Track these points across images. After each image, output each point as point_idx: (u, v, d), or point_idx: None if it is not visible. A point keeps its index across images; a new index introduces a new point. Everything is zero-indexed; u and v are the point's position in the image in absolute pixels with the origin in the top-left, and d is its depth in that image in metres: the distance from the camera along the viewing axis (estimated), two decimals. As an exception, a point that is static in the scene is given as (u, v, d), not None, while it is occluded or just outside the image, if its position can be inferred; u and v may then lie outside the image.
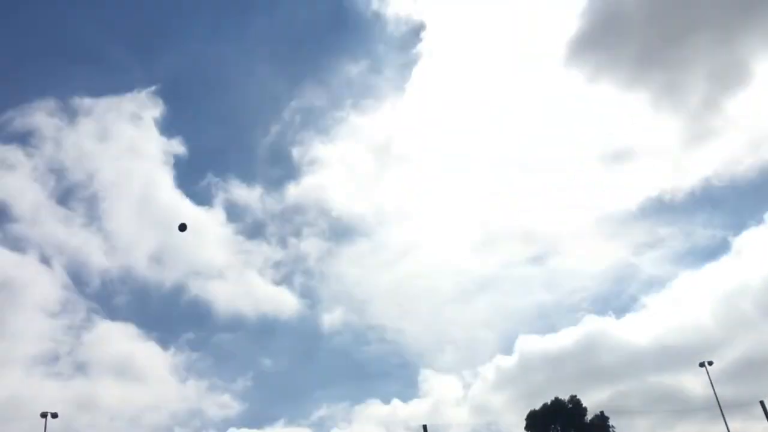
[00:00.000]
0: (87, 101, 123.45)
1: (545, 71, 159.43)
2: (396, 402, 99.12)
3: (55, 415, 36.83)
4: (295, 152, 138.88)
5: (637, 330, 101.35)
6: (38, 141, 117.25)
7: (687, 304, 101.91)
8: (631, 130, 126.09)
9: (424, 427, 35.19)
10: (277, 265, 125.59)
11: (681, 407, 74.70)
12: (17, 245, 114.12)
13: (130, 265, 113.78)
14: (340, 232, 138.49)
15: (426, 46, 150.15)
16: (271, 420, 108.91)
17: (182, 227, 33.19)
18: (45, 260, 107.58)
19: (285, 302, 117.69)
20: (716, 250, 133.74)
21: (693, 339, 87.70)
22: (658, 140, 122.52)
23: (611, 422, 45.43)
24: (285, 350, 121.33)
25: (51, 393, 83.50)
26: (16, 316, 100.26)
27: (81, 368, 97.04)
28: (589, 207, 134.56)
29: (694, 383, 76.78)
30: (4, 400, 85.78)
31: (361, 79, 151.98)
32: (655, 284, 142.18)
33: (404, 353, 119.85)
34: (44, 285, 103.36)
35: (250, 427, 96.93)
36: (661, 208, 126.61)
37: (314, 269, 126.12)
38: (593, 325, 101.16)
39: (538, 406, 48.81)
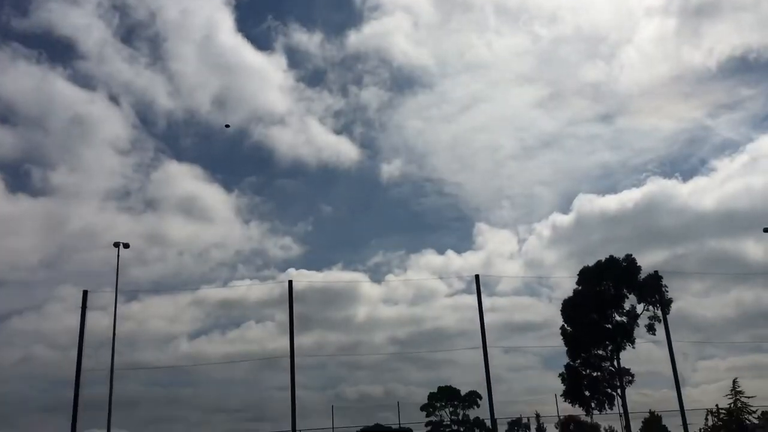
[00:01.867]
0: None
1: None
2: (450, 253, 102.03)
3: (126, 245, 38.55)
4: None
5: (703, 193, 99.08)
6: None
7: (759, 169, 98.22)
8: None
9: (477, 277, 35.85)
10: (337, 114, 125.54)
11: (739, 271, 74.17)
12: (87, 82, 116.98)
13: (194, 108, 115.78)
14: (402, 82, 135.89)
15: None
16: (329, 263, 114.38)
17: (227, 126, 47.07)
18: (113, 98, 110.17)
19: (345, 151, 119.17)
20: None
21: (761, 205, 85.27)
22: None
23: (665, 282, 45.05)
24: (344, 198, 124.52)
25: (123, 226, 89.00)
26: (89, 152, 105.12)
27: (150, 204, 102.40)
28: (665, 64, 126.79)
29: (755, 249, 75.71)
30: (79, 231, 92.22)
31: None
32: (728, 148, 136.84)
33: (461, 206, 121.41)
34: (114, 123, 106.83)
35: (308, 268, 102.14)
36: (743, 68, 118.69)
37: (374, 119, 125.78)
38: (657, 186, 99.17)
39: (591, 263, 48.75)
